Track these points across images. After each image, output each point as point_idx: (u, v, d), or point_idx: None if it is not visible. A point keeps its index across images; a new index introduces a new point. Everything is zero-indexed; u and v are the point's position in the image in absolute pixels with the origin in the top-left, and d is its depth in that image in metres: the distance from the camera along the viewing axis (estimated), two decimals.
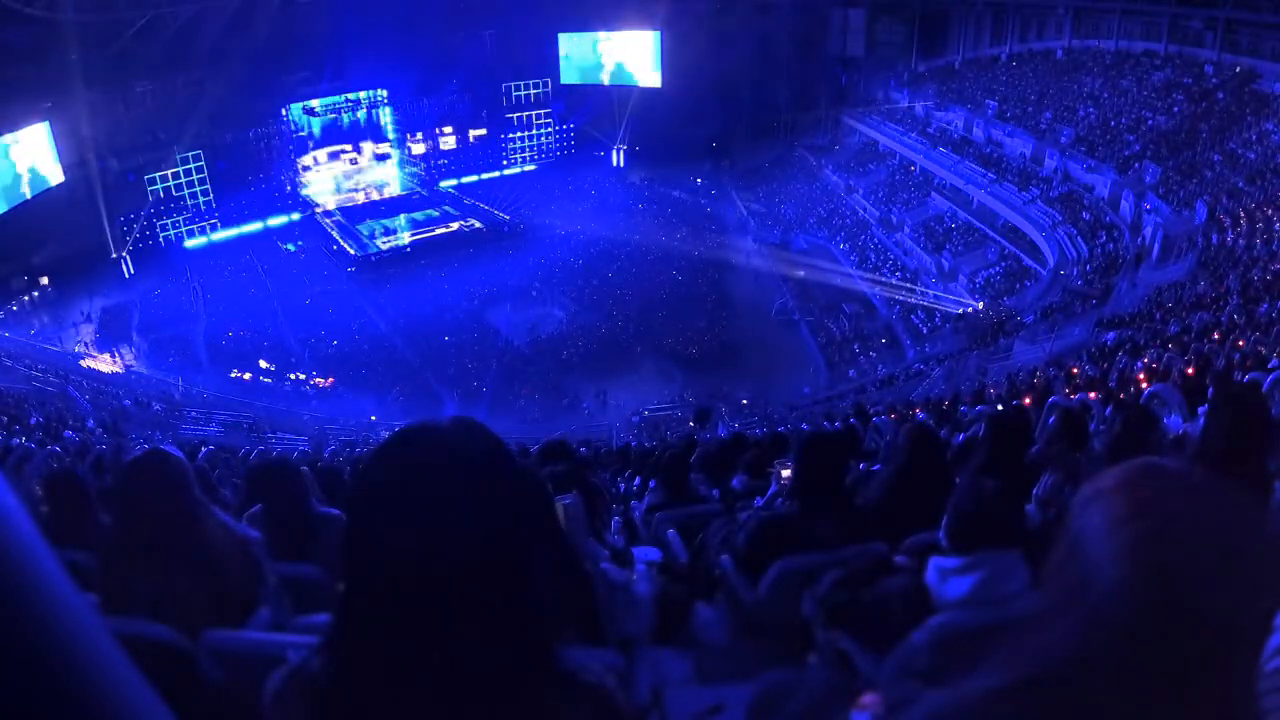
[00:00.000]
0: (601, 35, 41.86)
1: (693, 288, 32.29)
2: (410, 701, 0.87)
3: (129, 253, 33.35)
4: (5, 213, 29.13)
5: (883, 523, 3.20)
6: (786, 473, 3.61)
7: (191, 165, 34.69)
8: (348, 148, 39.52)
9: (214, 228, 35.63)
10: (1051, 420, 3.86)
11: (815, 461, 3.12)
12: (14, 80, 28.52)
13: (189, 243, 34.92)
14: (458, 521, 0.87)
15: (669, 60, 40.67)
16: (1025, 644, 0.79)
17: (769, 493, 4.04)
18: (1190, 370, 9.09)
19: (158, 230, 34.31)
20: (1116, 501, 0.76)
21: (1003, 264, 29.31)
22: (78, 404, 17.70)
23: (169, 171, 34.23)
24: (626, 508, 5.64)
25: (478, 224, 36.88)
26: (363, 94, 39.37)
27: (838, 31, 42.09)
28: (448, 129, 41.89)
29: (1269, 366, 7.28)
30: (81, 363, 25.02)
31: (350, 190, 39.53)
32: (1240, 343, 10.80)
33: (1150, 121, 28.88)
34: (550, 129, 43.20)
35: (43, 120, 30.45)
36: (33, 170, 30.43)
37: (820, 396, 23.10)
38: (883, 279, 30.79)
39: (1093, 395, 7.75)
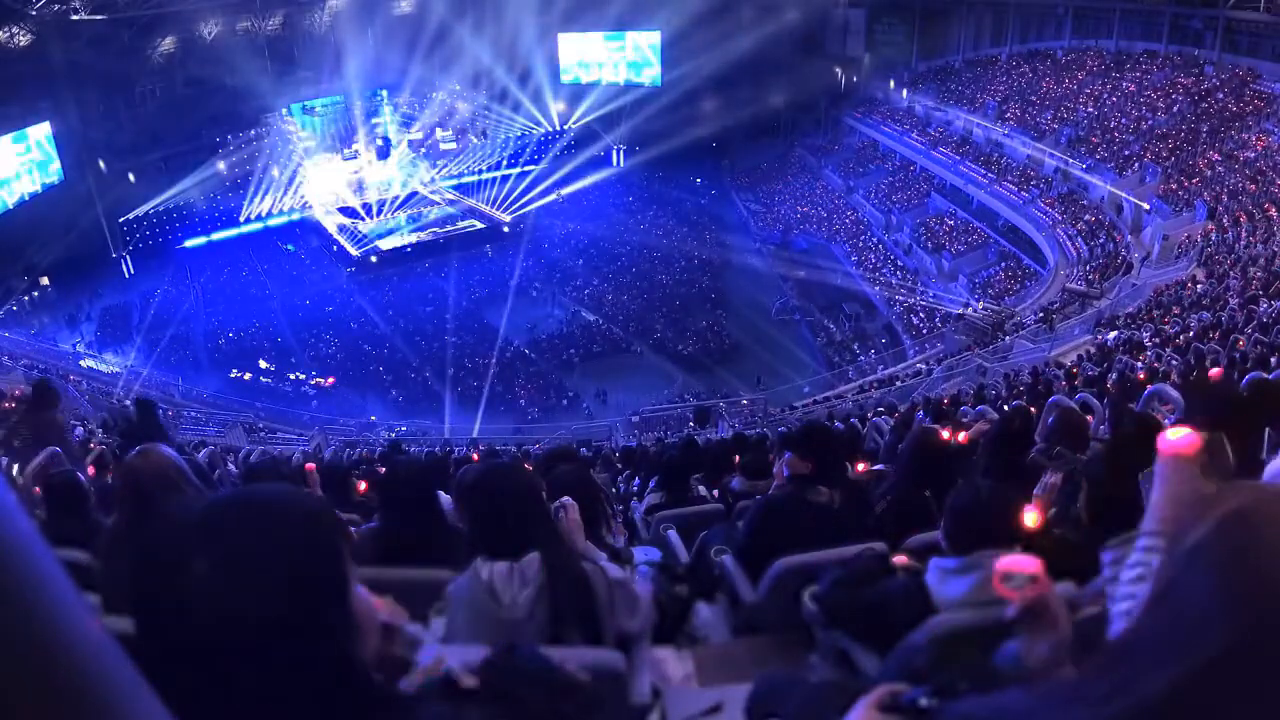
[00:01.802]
0: (602, 35, 41.82)
1: (693, 288, 32.27)
2: None
3: (129, 253, 33.33)
4: (5, 213, 29.11)
5: (887, 524, 3.22)
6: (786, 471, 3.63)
7: (191, 165, 34.65)
8: (348, 148, 39.50)
9: (214, 227, 35.60)
10: (1051, 420, 3.85)
11: (813, 453, 3.17)
12: (14, 80, 28.53)
13: (189, 242, 34.88)
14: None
15: (669, 60, 40.63)
16: (1125, 678, 0.76)
17: (769, 492, 4.05)
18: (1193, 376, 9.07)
19: (158, 230, 34.29)
20: (1222, 535, 0.74)
21: (1003, 264, 29.32)
22: (78, 404, 17.66)
23: (169, 171, 34.17)
24: (626, 508, 5.64)
25: (478, 224, 36.83)
26: (363, 94, 39.31)
27: (838, 31, 42.05)
28: (447, 130, 41.83)
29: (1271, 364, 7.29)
30: (81, 363, 24.99)
31: (350, 190, 39.48)
32: (1240, 343, 10.79)
33: (1150, 121, 28.87)
34: (550, 129, 43.13)
35: (43, 120, 30.44)
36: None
37: (820, 396, 23.08)
38: (883, 279, 30.79)
39: (1093, 395, 7.74)
